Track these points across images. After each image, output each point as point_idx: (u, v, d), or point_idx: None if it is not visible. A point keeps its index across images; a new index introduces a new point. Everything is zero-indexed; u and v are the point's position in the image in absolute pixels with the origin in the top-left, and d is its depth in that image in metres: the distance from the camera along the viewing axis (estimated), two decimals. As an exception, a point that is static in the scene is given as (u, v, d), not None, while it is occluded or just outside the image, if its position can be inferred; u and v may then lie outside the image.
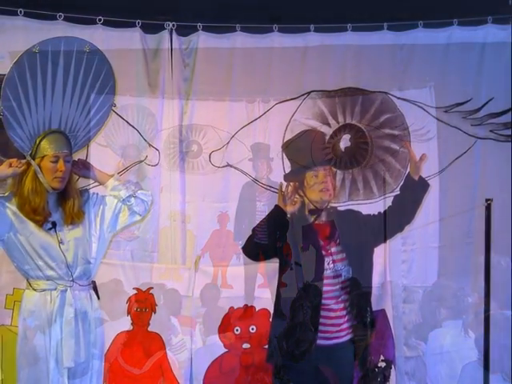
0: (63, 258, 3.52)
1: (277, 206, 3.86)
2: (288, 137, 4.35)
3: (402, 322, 4.63)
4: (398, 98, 4.59)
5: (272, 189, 4.46)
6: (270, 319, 4.10)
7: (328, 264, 3.81)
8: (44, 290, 3.53)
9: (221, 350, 4.48)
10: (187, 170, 4.54)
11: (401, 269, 4.64)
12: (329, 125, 4.58)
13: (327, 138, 4.46)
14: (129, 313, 4.40)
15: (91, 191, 3.77)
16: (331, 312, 3.79)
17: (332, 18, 4.47)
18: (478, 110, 4.60)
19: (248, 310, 4.47)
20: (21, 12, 4.17)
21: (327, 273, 3.80)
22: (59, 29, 4.13)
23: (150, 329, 4.41)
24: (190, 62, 4.47)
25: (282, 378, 3.88)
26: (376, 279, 4.24)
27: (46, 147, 3.52)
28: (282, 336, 3.82)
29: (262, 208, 4.50)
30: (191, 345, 4.43)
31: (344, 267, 3.83)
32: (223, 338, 4.45)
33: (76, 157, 3.70)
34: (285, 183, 3.87)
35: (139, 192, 3.70)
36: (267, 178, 4.57)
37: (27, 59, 3.47)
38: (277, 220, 3.84)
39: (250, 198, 4.58)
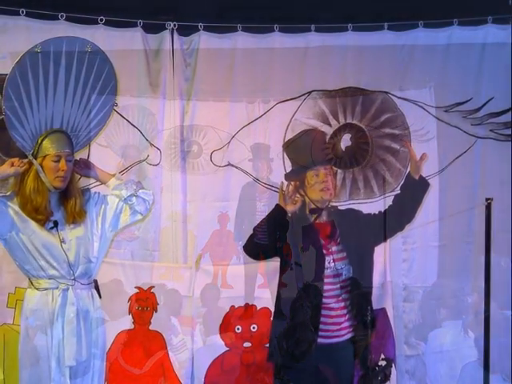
0: (65, 257, 3.53)
1: (278, 206, 3.86)
2: (289, 136, 4.36)
3: (403, 320, 4.64)
4: (399, 98, 4.61)
5: (273, 188, 4.47)
6: (271, 318, 4.10)
7: (329, 263, 3.81)
8: (46, 289, 3.53)
9: (221, 349, 4.48)
10: (188, 170, 4.54)
11: (401, 268, 4.65)
12: (329, 124, 4.59)
13: (328, 137, 4.47)
14: (130, 312, 4.40)
15: (93, 190, 3.78)
16: (332, 311, 3.80)
17: (333, 18, 4.49)
18: (478, 109, 4.61)
19: (249, 308, 4.47)
20: (23, 12, 4.18)
21: (328, 272, 3.80)
22: (61, 29, 4.13)
23: (151, 328, 4.42)
24: (191, 61, 4.46)
25: (282, 378, 3.89)
26: (376, 278, 4.23)
27: (48, 147, 3.53)
28: (282, 336, 3.83)
29: (262, 208, 4.50)
30: (192, 345, 4.42)
31: (344, 266, 3.83)
32: (224, 337, 4.46)
33: (78, 156, 3.70)
34: (286, 182, 3.87)
35: (141, 191, 3.70)
36: (267, 179, 4.57)
37: (29, 59, 3.46)
38: (277, 219, 3.84)
39: (250, 199, 4.58)
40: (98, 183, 3.85)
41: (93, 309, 3.61)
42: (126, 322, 4.41)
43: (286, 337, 3.81)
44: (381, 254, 4.32)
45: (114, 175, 3.75)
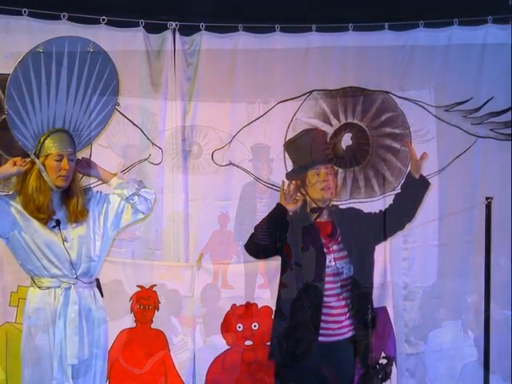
0: (67, 255, 3.53)
1: (279, 205, 3.85)
2: (290, 135, 4.37)
3: (403, 319, 4.66)
4: (399, 98, 4.62)
5: (274, 187, 4.48)
6: (272, 316, 4.11)
7: (329, 262, 3.81)
8: (48, 288, 3.53)
9: (222, 348, 4.48)
10: (188, 170, 4.55)
11: (402, 266, 4.67)
12: (330, 124, 4.60)
13: (329, 136, 4.48)
14: (132, 310, 4.41)
15: (95, 189, 3.78)
16: (333, 309, 3.80)
17: (333, 18, 4.50)
18: (479, 108, 4.62)
19: (250, 307, 4.48)
20: (25, 12, 4.19)
21: (328, 271, 3.80)
22: (63, 28, 4.14)
23: (152, 326, 4.43)
24: (192, 61, 4.48)
25: (282, 378, 3.90)
26: (377, 277, 4.23)
27: (50, 146, 3.52)
28: (282, 337, 3.83)
29: (263, 209, 4.51)
30: (193, 345, 4.43)
31: (345, 265, 3.83)
32: (226, 335, 4.47)
33: (80, 156, 3.70)
34: (287, 181, 3.88)
35: (142, 190, 3.69)
36: (267, 179, 4.58)
37: (31, 59, 3.45)
38: (278, 219, 3.84)
39: (250, 200, 4.60)
40: (99, 182, 3.86)
41: (95, 307, 3.61)
42: (127, 323, 4.42)
43: (286, 337, 3.81)
44: (381, 252, 4.34)
45: (115, 174, 3.74)
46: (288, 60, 4.54)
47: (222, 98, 4.55)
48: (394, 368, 4.32)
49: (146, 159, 4.48)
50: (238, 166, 4.55)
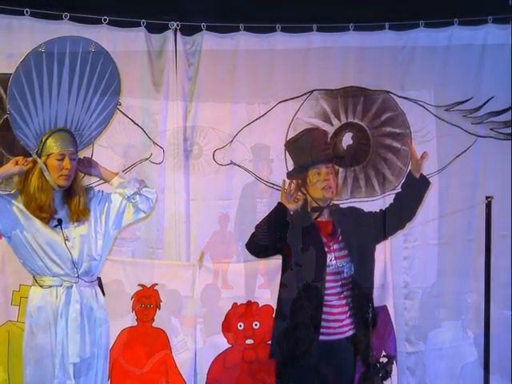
0: (69, 254, 3.53)
1: (279, 204, 3.85)
2: (291, 135, 4.36)
3: (404, 318, 4.66)
4: (400, 97, 4.63)
5: (275, 187, 4.49)
6: (273, 315, 4.11)
7: (330, 261, 3.81)
8: (50, 287, 3.53)
9: (223, 348, 4.48)
10: (189, 170, 4.56)
11: (402, 265, 4.67)
12: (331, 123, 4.61)
13: (329, 136, 4.49)
14: (133, 309, 4.42)
15: (96, 189, 3.78)
16: (333, 308, 3.81)
17: (334, 18, 4.50)
18: (479, 108, 4.63)
19: (251, 306, 4.48)
20: (27, 12, 4.20)
21: (329, 270, 3.80)
22: (65, 28, 4.15)
23: (154, 325, 4.43)
24: (194, 61, 4.48)
25: (283, 376, 3.91)
26: (377, 276, 4.23)
27: (52, 145, 3.53)
28: (282, 337, 3.84)
29: (263, 209, 4.51)
30: (194, 345, 4.42)
31: (346, 264, 3.83)
32: (227, 334, 4.48)
33: (81, 155, 3.71)
34: (287, 181, 3.88)
35: (144, 189, 3.69)
36: (267, 179, 4.59)
37: (33, 59, 3.45)
38: (278, 218, 3.83)
39: (250, 200, 4.60)
40: (101, 181, 3.87)
41: (96, 306, 3.61)
42: (128, 321, 4.42)
43: (286, 337, 3.82)
44: (382, 251, 4.34)
45: (117, 173, 3.75)
46: (289, 60, 4.55)
47: (222, 98, 4.55)
48: (394, 367, 4.31)
49: (147, 158, 4.48)
50: (239, 166, 4.56)
